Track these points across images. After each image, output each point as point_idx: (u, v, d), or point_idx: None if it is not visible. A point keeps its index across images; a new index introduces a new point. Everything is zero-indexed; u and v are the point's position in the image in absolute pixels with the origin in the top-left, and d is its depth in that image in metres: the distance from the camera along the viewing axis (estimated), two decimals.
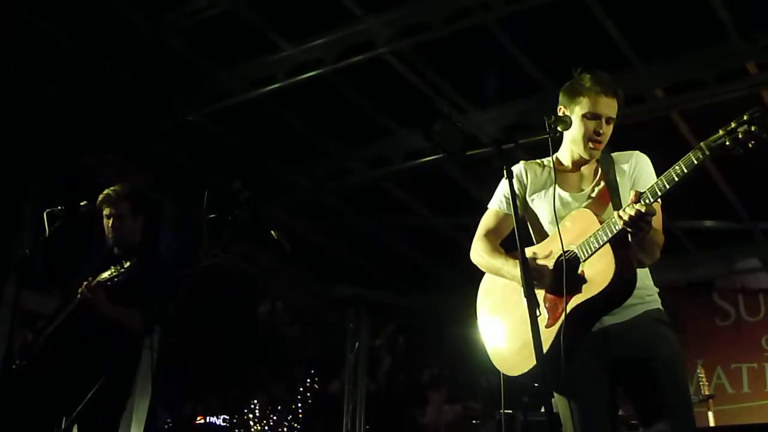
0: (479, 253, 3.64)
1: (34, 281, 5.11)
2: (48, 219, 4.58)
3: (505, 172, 3.07)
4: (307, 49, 6.57)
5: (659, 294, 3.41)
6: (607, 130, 3.44)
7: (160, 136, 7.65)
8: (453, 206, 8.51)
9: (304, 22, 6.41)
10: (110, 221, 4.84)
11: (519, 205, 3.55)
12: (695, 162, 2.93)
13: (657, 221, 3.23)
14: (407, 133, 7.51)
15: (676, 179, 2.98)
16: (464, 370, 10.79)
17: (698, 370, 7.25)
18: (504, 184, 3.66)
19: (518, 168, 3.62)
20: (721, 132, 2.90)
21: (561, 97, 3.56)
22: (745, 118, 2.85)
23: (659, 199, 3.06)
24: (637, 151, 3.52)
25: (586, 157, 3.48)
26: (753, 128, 2.83)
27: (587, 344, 3.24)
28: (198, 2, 6.16)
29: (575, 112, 3.46)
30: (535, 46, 6.35)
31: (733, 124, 2.88)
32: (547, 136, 3.29)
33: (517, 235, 2.99)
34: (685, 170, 2.95)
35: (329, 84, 6.86)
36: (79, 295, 4.61)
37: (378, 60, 6.53)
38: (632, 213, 2.97)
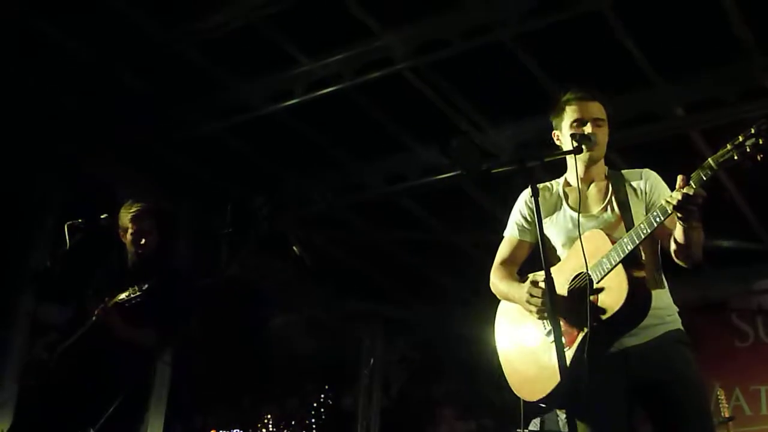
0: (492, 281, 3.65)
1: (52, 293, 5.11)
2: (68, 232, 4.59)
3: (530, 189, 3.04)
4: (325, 65, 6.59)
5: (678, 313, 3.39)
6: (599, 132, 3.44)
7: (179, 149, 7.68)
8: (469, 222, 8.49)
9: (323, 37, 6.43)
10: (137, 237, 4.83)
11: (531, 229, 3.57)
12: (704, 178, 2.91)
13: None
14: (424, 149, 7.50)
15: None
16: (477, 386, 10.73)
17: (717, 392, 7.18)
18: (516, 211, 3.66)
19: (527, 194, 3.60)
20: (728, 146, 2.87)
21: (553, 123, 3.60)
22: (752, 131, 2.81)
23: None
24: (647, 169, 3.50)
25: (585, 162, 3.46)
26: (760, 141, 2.79)
27: (606, 365, 3.20)
28: (218, 16, 6.18)
29: (564, 127, 3.49)
30: (554, 63, 6.33)
31: (740, 138, 2.84)
32: (572, 153, 3.29)
33: (543, 255, 2.96)
34: (694, 187, 2.93)
35: (347, 99, 6.86)
36: (94, 318, 4.61)
37: (396, 76, 6.53)
38: (679, 197, 2.91)
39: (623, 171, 3.53)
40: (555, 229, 3.50)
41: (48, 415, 4.57)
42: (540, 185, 3.61)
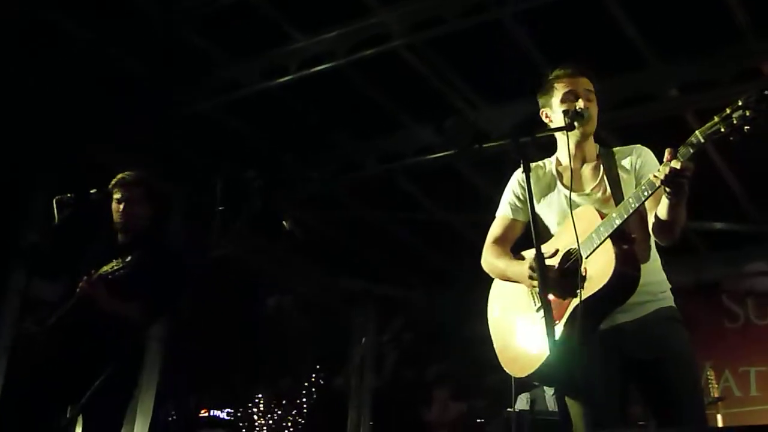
0: (486, 260, 3.63)
1: (42, 269, 5.06)
2: (57, 206, 4.54)
3: (522, 165, 3.03)
4: (320, 41, 6.54)
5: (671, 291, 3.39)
6: (591, 106, 3.43)
7: (171, 127, 7.63)
8: (463, 202, 8.47)
9: (317, 13, 6.38)
10: (121, 205, 4.78)
11: (524, 208, 3.56)
12: (691, 151, 2.89)
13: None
14: (420, 128, 7.48)
15: None
16: (470, 367, 10.75)
17: (707, 372, 7.21)
18: (509, 190, 3.65)
19: (519, 172, 3.58)
20: (716, 119, 2.86)
21: (540, 102, 3.59)
22: (739, 103, 2.80)
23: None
24: (638, 145, 3.49)
25: (578, 138, 3.45)
26: (748, 113, 2.78)
27: (599, 342, 3.21)
28: None
29: (554, 104, 3.48)
30: (550, 42, 6.30)
31: (728, 110, 2.83)
32: (565, 129, 3.28)
33: (534, 232, 2.95)
34: (681, 160, 2.92)
35: (342, 76, 6.82)
36: (78, 289, 4.55)
37: (392, 53, 6.49)
38: (667, 171, 2.89)
39: (615, 149, 3.53)
40: (549, 208, 3.50)
41: (35, 389, 4.54)
42: (533, 164, 3.60)
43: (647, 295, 3.24)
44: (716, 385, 7.29)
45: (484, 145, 3.22)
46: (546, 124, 3.55)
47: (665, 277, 3.37)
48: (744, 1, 5.78)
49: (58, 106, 7.13)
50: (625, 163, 3.42)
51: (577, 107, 3.37)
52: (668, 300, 3.34)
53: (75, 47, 6.64)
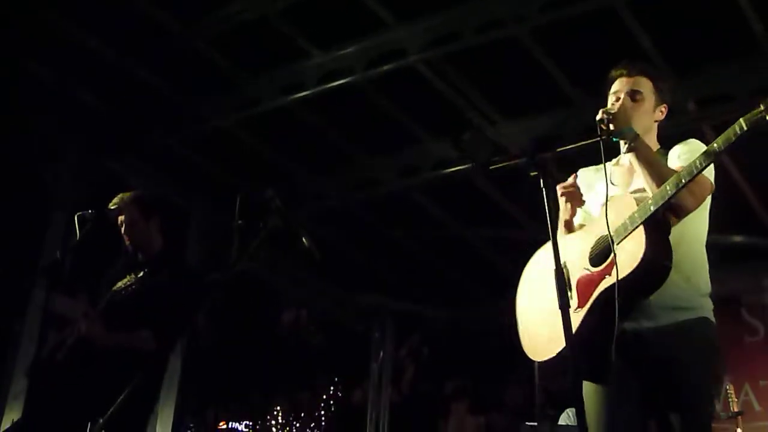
0: None
1: (63, 285, 5.05)
2: (78, 223, 4.56)
3: (541, 182, 2.99)
4: (337, 57, 6.57)
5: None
6: (633, 105, 3.36)
7: (189, 143, 7.68)
8: (481, 217, 8.47)
9: (335, 29, 6.42)
10: (122, 228, 4.79)
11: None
12: (733, 138, 2.89)
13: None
14: (436, 143, 7.49)
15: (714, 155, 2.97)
16: (488, 382, 10.73)
17: (727, 387, 7.14)
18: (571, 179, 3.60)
19: (581, 171, 3.59)
20: (761, 107, 2.86)
21: None
22: None
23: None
24: (690, 139, 3.38)
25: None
26: None
27: (618, 347, 3.09)
28: (229, 8, 6.19)
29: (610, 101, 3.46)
30: (567, 57, 6.31)
31: None
32: (598, 139, 3.22)
33: (553, 243, 2.93)
34: (722, 147, 2.93)
35: (359, 92, 6.85)
36: (76, 328, 4.45)
37: (409, 68, 6.52)
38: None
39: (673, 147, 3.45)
40: (595, 197, 3.46)
41: (57, 406, 4.51)
42: (588, 168, 3.60)
43: (677, 300, 3.16)
44: (736, 400, 7.21)
45: (502, 164, 3.16)
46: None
47: (703, 283, 3.28)
48: (760, 13, 5.76)
49: (79, 122, 7.20)
50: (672, 155, 3.34)
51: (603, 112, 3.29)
52: (701, 310, 3.25)
53: (97, 62, 6.70)
